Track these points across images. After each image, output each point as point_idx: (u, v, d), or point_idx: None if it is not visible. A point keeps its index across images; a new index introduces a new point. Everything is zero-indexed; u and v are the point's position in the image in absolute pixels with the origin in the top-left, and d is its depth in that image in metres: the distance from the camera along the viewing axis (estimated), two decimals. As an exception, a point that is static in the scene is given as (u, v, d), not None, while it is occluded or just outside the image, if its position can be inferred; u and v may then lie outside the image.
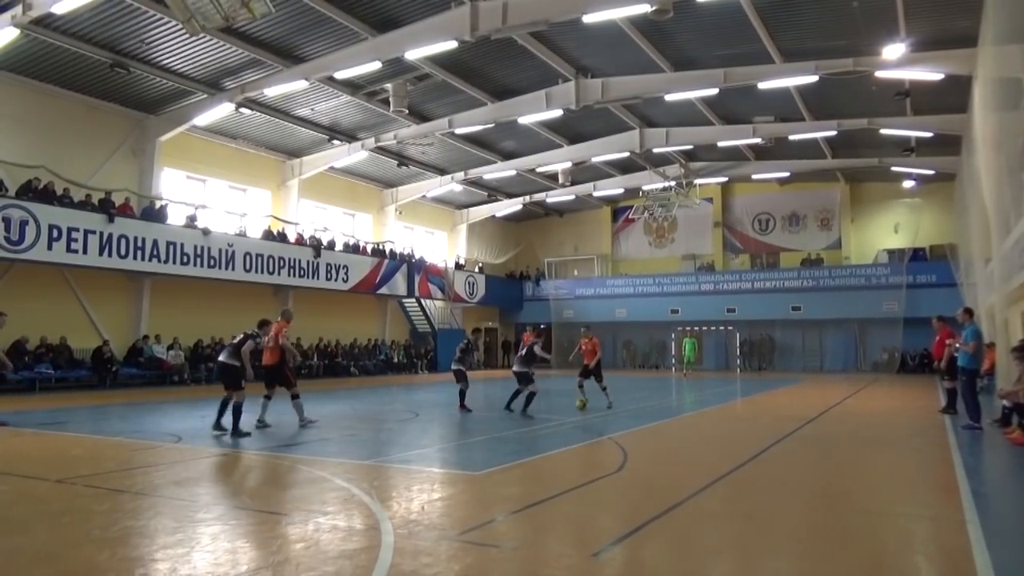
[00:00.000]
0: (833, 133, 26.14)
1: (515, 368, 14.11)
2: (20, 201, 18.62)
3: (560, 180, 32.88)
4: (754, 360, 34.68)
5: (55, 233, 19.19)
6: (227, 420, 10.60)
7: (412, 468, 8.04)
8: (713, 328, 33.74)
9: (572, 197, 36.92)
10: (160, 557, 4.67)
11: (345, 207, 32.35)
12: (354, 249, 29.91)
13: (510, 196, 37.46)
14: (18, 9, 16.72)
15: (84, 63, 20.01)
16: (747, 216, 38.03)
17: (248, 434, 10.44)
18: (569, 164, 31.18)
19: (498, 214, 39.24)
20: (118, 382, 21.15)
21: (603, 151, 30.11)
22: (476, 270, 37.52)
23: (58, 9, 16.62)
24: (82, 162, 21.57)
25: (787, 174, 33.24)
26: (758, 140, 27.95)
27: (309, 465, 8.13)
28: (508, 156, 31.49)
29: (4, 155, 19.33)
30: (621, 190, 36.16)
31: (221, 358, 11.09)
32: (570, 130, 28.51)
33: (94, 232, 20.11)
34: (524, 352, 13.98)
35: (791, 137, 27.23)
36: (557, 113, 24.52)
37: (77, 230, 19.71)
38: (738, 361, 33.88)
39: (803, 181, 34.89)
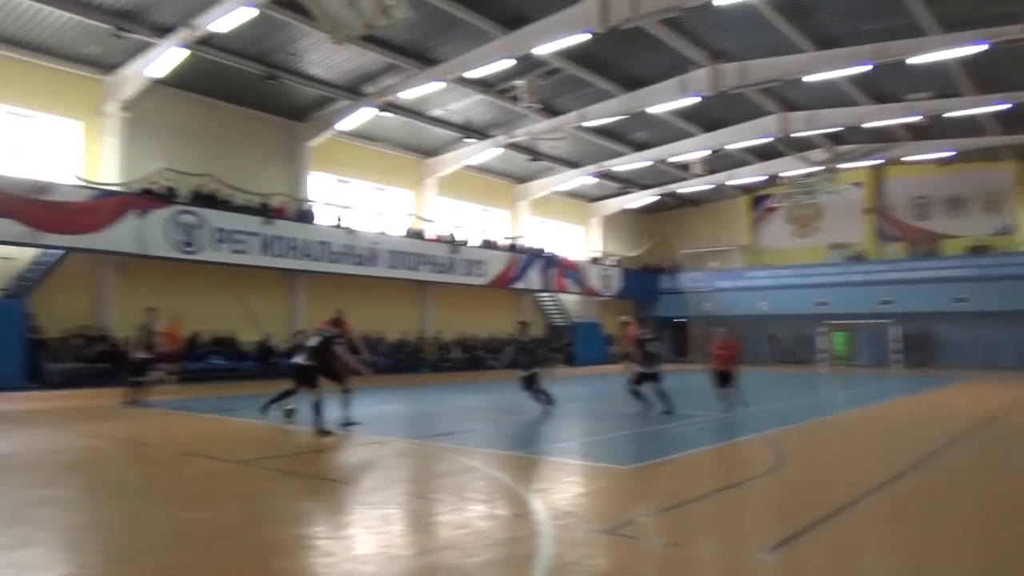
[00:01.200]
0: (1006, 107, 23.79)
1: (642, 370, 12.57)
2: (192, 207, 20.38)
3: (695, 170, 32.00)
4: (914, 356, 32.27)
5: (221, 236, 20.84)
6: (273, 413, 10.91)
7: (559, 460, 8.11)
8: (866, 321, 31.68)
9: (708, 187, 35.83)
10: (335, 537, 4.98)
11: (480, 203, 33.03)
12: (490, 245, 30.49)
13: (643, 187, 36.87)
14: (186, 31, 18.31)
15: (241, 77, 21.56)
16: (902, 201, 35.39)
17: (331, 432, 9.97)
18: (704, 153, 30.27)
19: (631, 206, 38.75)
20: (280, 373, 22.67)
21: (740, 138, 28.99)
22: (611, 263, 37.26)
23: (219, 28, 18.04)
24: (242, 169, 23.27)
25: (951, 153, 30.60)
26: (915, 118, 25.91)
27: (459, 455, 8.39)
28: (640, 147, 31.00)
29: (178, 165, 21.15)
30: (760, 178, 34.68)
31: (298, 360, 10.76)
32: (705, 117, 27.66)
33: (254, 234, 21.66)
34: (644, 351, 12.52)
35: (951, 114, 25.03)
36: (691, 101, 23.85)
37: (240, 232, 21.30)
38: (898, 357, 31.61)
39: (966, 162, 32.02)
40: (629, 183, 36.51)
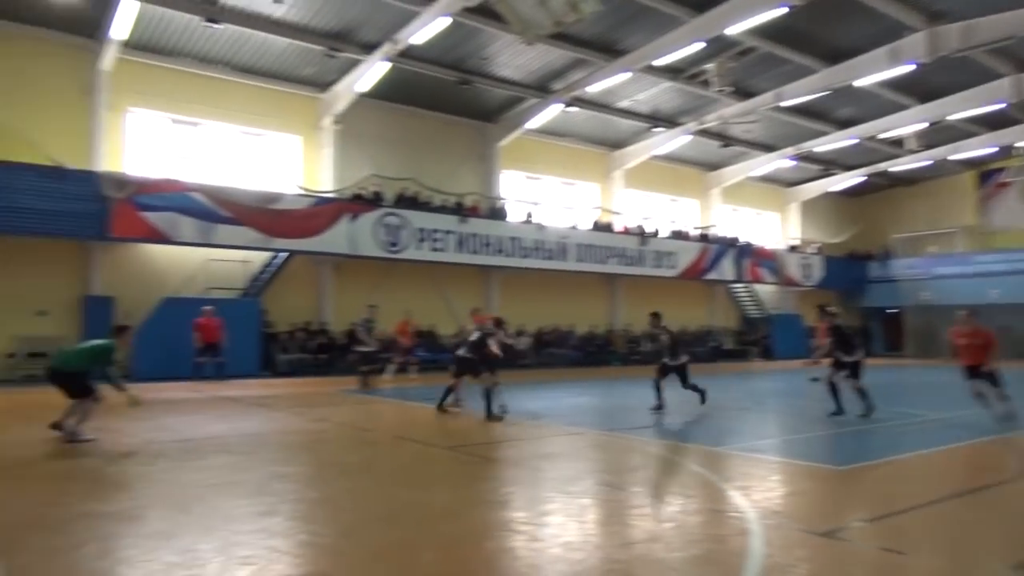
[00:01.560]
0: None
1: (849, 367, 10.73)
2: (396, 209, 21.87)
3: (909, 145, 29.05)
4: None
5: (422, 235, 22.20)
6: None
7: (764, 458, 7.74)
8: None
9: (925, 163, 32.40)
10: (541, 523, 5.11)
11: (669, 193, 32.34)
12: (680, 236, 29.78)
13: (847, 168, 34.15)
14: (388, 46, 19.65)
15: (437, 84, 22.79)
16: None
17: (501, 418, 10.55)
18: (920, 126, 27.41)
19: (834, 189, 36.03)
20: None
21: (965, 107, 25.89)
22: (811, 251, 34.94)
23: (417, 40, 19.17)
24: (439, 171, 24.56)
25: None
26: None
27: (659, 448, 8.28)
28: (844, 124, 28.73)
29: (383, 171, 22.80)
30: (989, 150, 30.78)
31: (460, 352, 11.40)
32: (920, 87, 25.02)
33: (451, 232, 22.84)
34: (842, 339, 10.92)
35: None
36: (904, 70, 21.67)
37: (438, 231, 22.57)
38: None
39: None
40: (831, 164, 33.97)
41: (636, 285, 28.60)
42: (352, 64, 20.94)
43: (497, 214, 24.87)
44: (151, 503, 5.49)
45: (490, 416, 10.53)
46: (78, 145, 18.18)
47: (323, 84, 22.04)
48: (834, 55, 22.40)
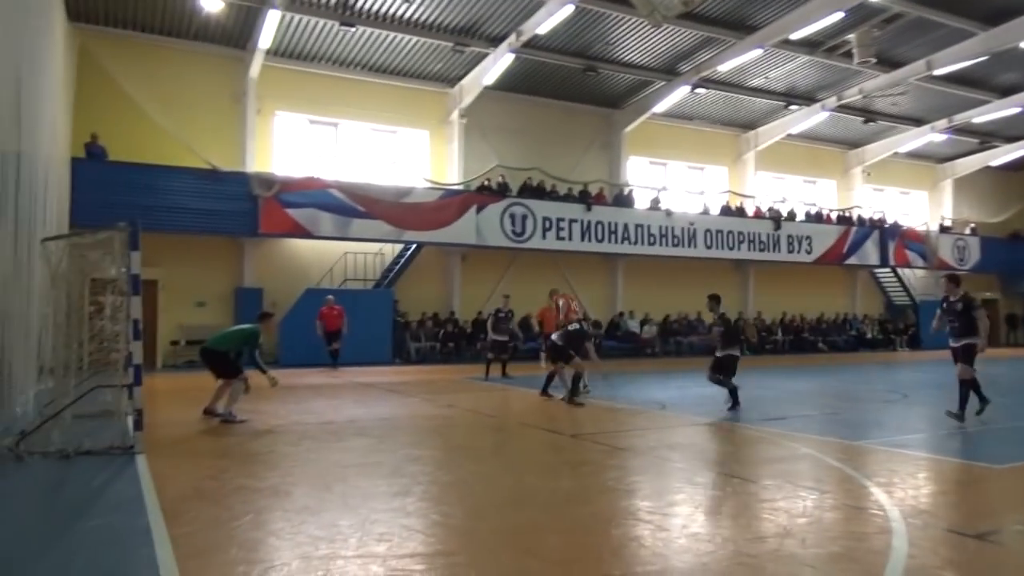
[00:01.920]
0: None
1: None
2: (521, 199, 22.12)
3: (1085, 111, 26.08)
4: None
5: (547, 224, 22.33)
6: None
7: (911, 453, 7.25)
8: None
9: (1103, 132, 28.99)
10: (670, 512, 5.05)
11: (805, 174, 30.74)
12: (817, 218, 28.27)
13: (1009, 140, 31.09)
14: (512, 37, 19.85)
15: (561, 73, 22.80)
16: None
17: (583, 404, 10.83)
18: (1099, 89, 24.54)
19: (994, 163, 32.91)
20: (600, 353, 23.62)
21: None
22: (967, 232, 32.16)
23: (541, 30, 19.25)
24: (564, 159, 24.57)
25: None
26: None
27: (792, 441, 7.94)
28: (1007, 92, 26.17)
29: (508, 162, 23.10)
30: None
31: (554, 337, 11.60)
32: (1099, 46, 22.37)
33: (576, 220, 22.83)
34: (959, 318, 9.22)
35: None
36: (1080, 27, 19.47)
37: (563, 220, 22.62)
38: None
39: None
40: (991, 136, 31.07)
41: (769, 271, 27.46)
42: (479, 58, 21.33)
43: (623, 201, 24.59)
44: (297, 480, 5.89)
45: (571, 400, 10.83)
46: (230, 148, 19.62)
47: (451, 79, 22.59)
48: (994, 15, 20.46)
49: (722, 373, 10.43)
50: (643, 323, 25.04)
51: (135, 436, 6.78)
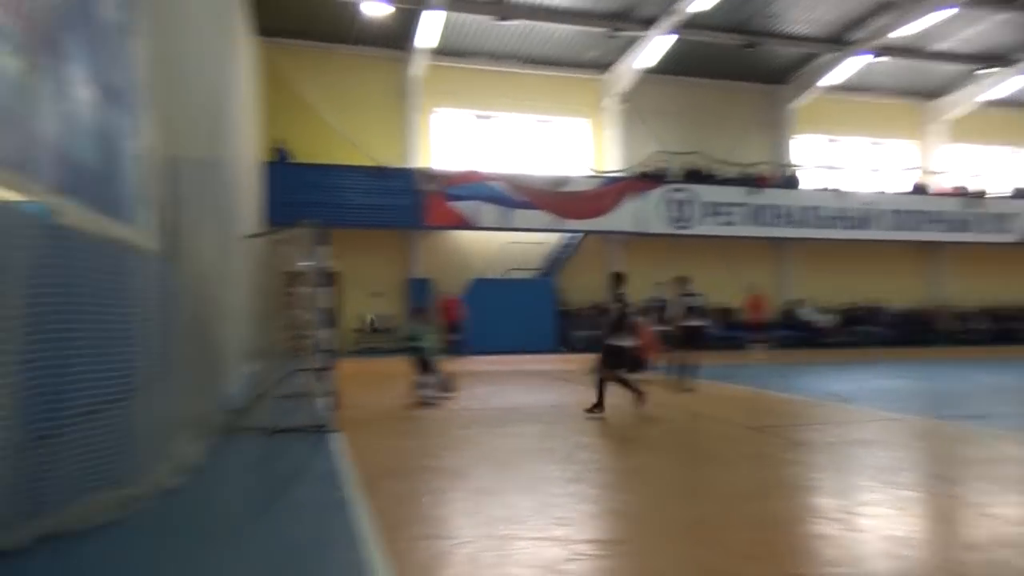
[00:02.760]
0: None
1: None
2: (682, 184, 21.59)
3: None
4: None
5: (710, 209, 21.64)
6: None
7: None
8: None
9: None
10: (860, 512, 4.75)
11: (1007, 144, 27.59)
12: (1021, 194, 25.32)
13: None
14: (669, 18, 19.35)
15: (720, 51, 21.94)
16: None
17: (691, 390, 10.73)
18: None
19: None
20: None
21: None
22: None
23: (697, 8, 18.63)
24: (725, 141, 23.66)
25: None
26: None
27: (995, 440, 7.20)
28: None
29: (667, 146, 22.61)
30: None
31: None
32: None
33: (740, 205, 21.95)
34: None
35: None
36: None
37: (726, 204, 21.83)
38: None
39: None
40: None
41: (963, 254, 24.97)
42: (633, 41, 21.00)
43: (790, 182, 23.31)
44: (475, 462, 6.14)
45: (683, 388, 10.69)
46: (394, 145, 20.69)
47: (605, 65, 22.42)
48: None
49: (611, 367, 8.74)
50: (819, 311, 23.62)
51: (328, 416, 7.34)
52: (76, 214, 5.50)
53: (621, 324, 8.84)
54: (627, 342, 8.85)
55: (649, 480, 5.73)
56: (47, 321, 4.30)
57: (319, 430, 7.24)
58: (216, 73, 10.93)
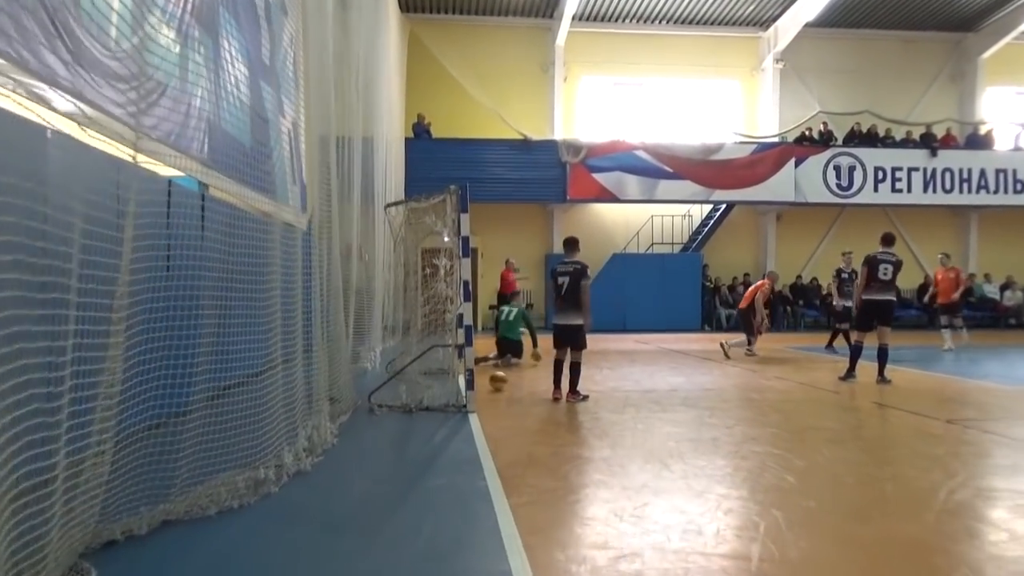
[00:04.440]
0: None
1: None
2: (848, 148, 19.59)
3: None
4: None
5: (880, 175, 19.55)
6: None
7: None
8: None
9: None
10: None
11: None
12: None
13: None
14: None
15: (895, -2, 19.64)
16: None
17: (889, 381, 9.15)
18: None
19: None
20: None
21: None
22: None
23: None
24: (899, 99, 21.27)
25: None
26: None
27: None
28: None
29: (830, 106, 20.59)
30: None
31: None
32: None
33: (917, 169, 19.69)
34: None
35: None
36: None
37: (900, 169, 19.63)
38: None
39: None
40: None
41: None
42: (796, -8, 19.21)
43: (977, 142, 20.59)
44: (630, 454, 5.46)
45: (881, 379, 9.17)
46: (539, 117, 20.11)
47: (764, 21, 20.67)
48: None
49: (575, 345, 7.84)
50: (1004, 288, 20.88)
51: (468, 395, 6.91)
52: (227, 189, 5.40)
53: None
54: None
55: (843, 482, 4.82)
56: (201, 295, 4.17)
57: (458, 410, 6.83)
58: (367, 51, 10.87)
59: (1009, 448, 5.74)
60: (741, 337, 12.85)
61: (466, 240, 6.63)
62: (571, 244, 8.07)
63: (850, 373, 9.38)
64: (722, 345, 12.67)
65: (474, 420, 6.50)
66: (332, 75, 7.95)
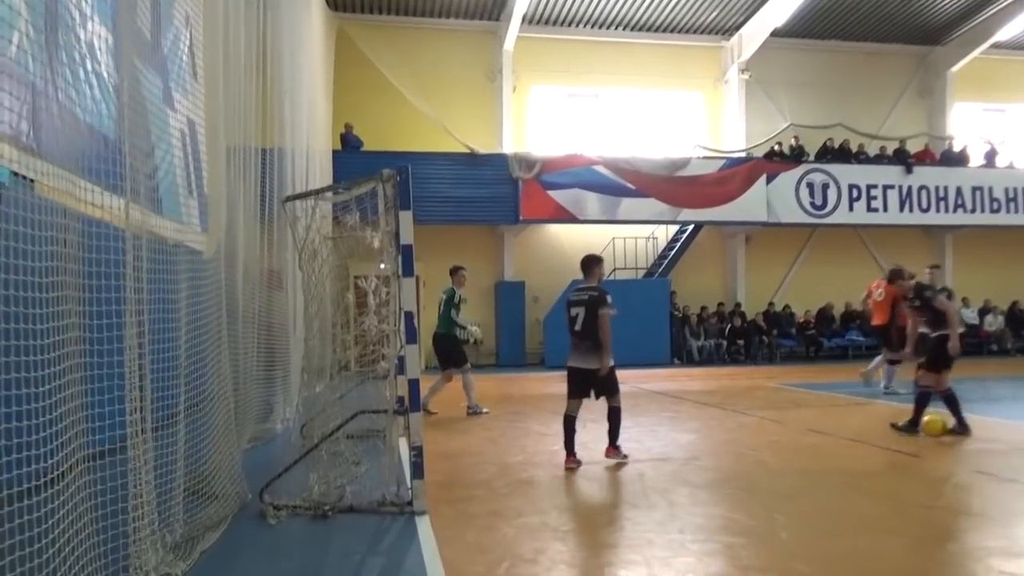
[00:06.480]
0: None
1: None
2: (820, 164, 18.17)
3: None
4: None
5: (855, 193, 18.19)
6: None
7: None
8: None
9: None
10: None
11: None
12: None
13: None
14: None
15: (863, 7, 18.45)
16: None
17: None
18: None
19: None
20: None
21: None
22: None
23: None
24: (869, 113, 20.05)
25: None
26: None
27: None
28: None
29: (799, 120, 19.16)
30: None
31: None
32: None
33: (892, 187, 18.42)
34: None
35: None
36: None
37: (876, 187, 18.33)
38: None
39: None
40: None
41: None
42: (760, 1, 17.79)
43: (952, 159, 19.47)
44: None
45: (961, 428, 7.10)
46: (486, 129, 18.08)
47: (727, 29, 19.19)
48: None
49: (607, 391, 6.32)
50: (983, 312, 19.65)
51: (415, 487, 4.56)
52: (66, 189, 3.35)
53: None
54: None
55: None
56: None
57: (399, 510, 4.51)
58: (277, 43, 8.95)
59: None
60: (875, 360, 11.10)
61: (408, 250, 4.39)
62: (589, 264, 6.34)
63: (914, 425, 7.29)
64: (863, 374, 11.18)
65: (424, 532, 4.12)
66: (243, 69, 6.79)
